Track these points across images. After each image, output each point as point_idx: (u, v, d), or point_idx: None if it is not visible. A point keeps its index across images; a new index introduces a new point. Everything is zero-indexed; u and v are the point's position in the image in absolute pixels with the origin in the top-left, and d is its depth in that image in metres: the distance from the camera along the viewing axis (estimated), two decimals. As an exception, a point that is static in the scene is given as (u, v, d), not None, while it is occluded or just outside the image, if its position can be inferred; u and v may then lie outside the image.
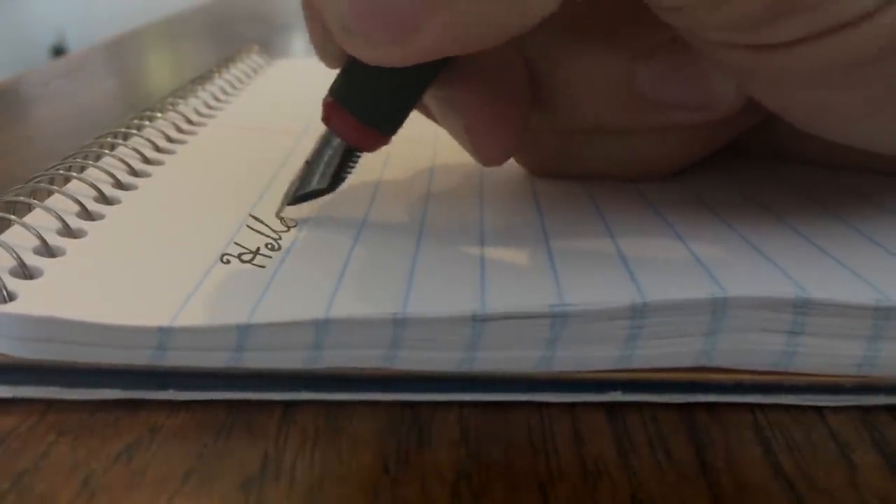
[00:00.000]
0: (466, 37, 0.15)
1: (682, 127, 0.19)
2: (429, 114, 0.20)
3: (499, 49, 0.16)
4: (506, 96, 0.18)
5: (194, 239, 0.17)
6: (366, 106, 0.17)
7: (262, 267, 0.16)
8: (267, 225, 0.18)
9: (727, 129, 0.20)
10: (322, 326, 0.14)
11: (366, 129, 0.17)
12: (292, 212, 0.19)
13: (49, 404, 0.14)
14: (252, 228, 0.18)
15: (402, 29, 0.15)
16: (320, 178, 0.18)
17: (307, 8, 0.17)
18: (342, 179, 0.18)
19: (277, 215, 0.19)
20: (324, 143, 0.18)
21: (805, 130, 0.18)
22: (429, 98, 0.18)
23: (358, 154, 0.18)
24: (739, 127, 0.20)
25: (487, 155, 0.19)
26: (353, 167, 0.18)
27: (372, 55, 0.15)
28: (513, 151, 0.19)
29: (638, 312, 0.14)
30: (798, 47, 0.15)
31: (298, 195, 0.18)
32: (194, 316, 0.14)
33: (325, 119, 0.18)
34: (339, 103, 0.17)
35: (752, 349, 0.15)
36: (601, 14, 0.17)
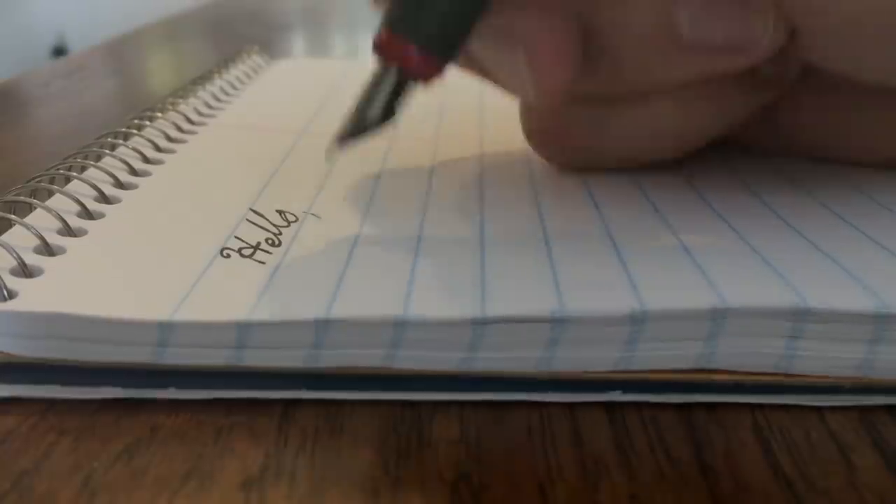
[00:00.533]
0: None
1: (714, 81, 0.19)
2: (471, 65, 0.19)
3: None
4: (562, 16, 0.18)
5: (194, 234, 0.17)
6: (425, 31, 0.17)
7: (263, 263, 0.16)
8: (267, 219, 0.18)
9: (745, 104, 0.20)
10: (323, 326, 0.14)
11: (425, 55, 0.17)
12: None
13: (49, 404, 0.14)
14: (252, 222, 0.18)
15: None
16: (376, 112, 0.17)
17: None
18: (394, 114, 0.17)
19: (328, 154, 0.18)
20: (376, 78, 0.17)
21: (835, 68, 0.18)
22: (480, 36, 0.17)
23: (411, 86, 0.17)
24: (757, 102, 0.20)
25: (550, 86, 0.18)
26: (404, 100, 0.17)
27: None
28: (572, 81, 0.18)
29: (637, 320, 0.14)
30: None
31: (351, 131, 0.17)
32: (194, 311, 0.14)
33: (381, 48, 0.17)
34: (394, 31, 0.17)
35: (751, 352, 0.15)
36: None
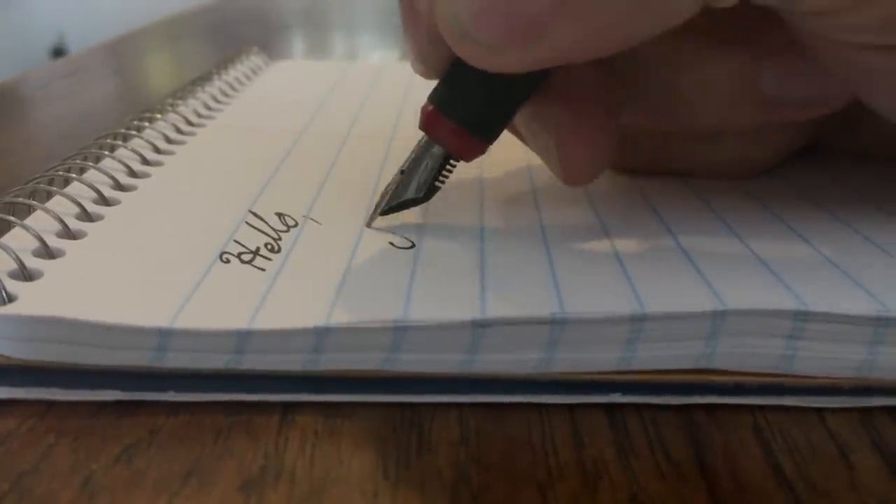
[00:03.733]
0: (598, 41, 0.14)
1: (791, 123, 0.20)
2: (514, 130, 0.20)
3: (595, 61, 0.15)
4: (598, 113, 0.18)
5: (194, 238, 0.17)
6: (469, 114, 0.17)
7: (262, 270, 0.16)
8: (267, 223, 0.18)
9: (814, 126, 0.21)
10: (322, 333, 0.14)
11: (469, 136, 0.17)
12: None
13: (49, 406, 0.14)
14: (252, 226, 0.18)
15: (528, 32, 0.14)
16: (417, 186, 0.18)
17: (409, 14, 0.17)
18: (437, 189, 0.18)
19: (369, 225, 0.18)
20: (421, 151, 0.18)
21: None
22: (520, 114, 0.18)
23: (454, 163, 0.18)
24: (825, 124, 0.21)
25: (576, 173, 0.18)
26: (448, 176, 0.18)
27: (490, 60, 0.15)
28: (601, 171, 0.19)
29: (637, 322, 0.14)
30: None
31: (393, 204, 0.18)
32: (194, 318, 0.14)
33: (426, 127, 0.18)
34: (441, 111, 0.17)
35: (751, 353, 0.15)
36: (724, 18, 0.17)
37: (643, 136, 0.21)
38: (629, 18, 0.14)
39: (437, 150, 0.18)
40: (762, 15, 0.16)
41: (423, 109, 0.18)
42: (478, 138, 0.18)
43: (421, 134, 0.18)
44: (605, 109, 0.18)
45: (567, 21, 0.14)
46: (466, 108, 0.17)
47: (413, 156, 0.18)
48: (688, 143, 0.21)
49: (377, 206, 0.19)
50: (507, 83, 0.17)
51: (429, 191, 0.18)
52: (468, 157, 0.18)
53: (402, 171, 0.18)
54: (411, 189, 0.18)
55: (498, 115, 0.18)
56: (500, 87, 0.17)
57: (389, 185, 0.19)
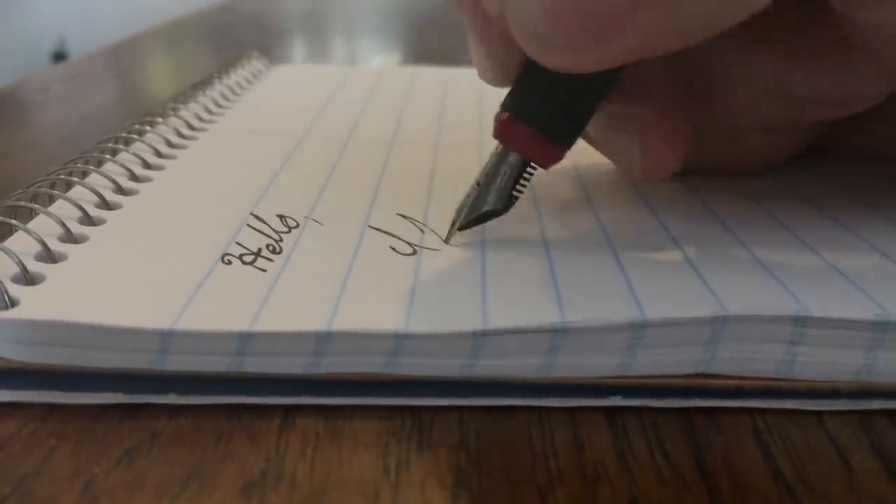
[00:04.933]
0: (673, 35, 0.14)
1: (822, 122, 0.20)
2: (586, 135, 0.20)
3: (671, 56, 0.15)
4: (675, 109, 0.18)
5: (196, 240, 0.17)
6: (546, 118, 0.17)
7: (264, 271, 0.16)
8: (268, 224, 0.18)
9: (823, 129, 0.22)
10: (324, 338, 0.14)
11: (546, 141, 0.17)
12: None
13: (50, 409, 0.14)
14: (253, 228, 0.18)
15: (603, 30, 0.14)
16: (496, 197, 0.18)
17: (475, 18, 0.17)
18: (516, 198, 0.18)
19: (447, 241, 0.18)
20: (497, 161, 0.18)
21: None
22: (595, 118, 0.18)
23: (532, 170, 0.18)
24: (835, 126, 0.22)
25: (662, 170, 0.18)
26: (526, 184, 0.18)
27: (564, 60, 0.15)
28: (678, 168, 0.19)
29: (638, 329, 0.14)
30: None
31: (473, 217, 0.18)
32: (195, 319, 0.14)
33: (501, 135, 0.17)
34: (516, 117, 0.17)
35: (751, 357, 0.15)
36: (760, 16, 0.17)
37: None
38: (708, 6, 0.14)
39: (513, 158, 0.17)
40: (797, 15, 0.16)
41: (497, 117, 0.17)
42: (556, 143, 0.17)
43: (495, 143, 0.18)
44: (679, 105, 0.18)
45: (644, 15, 0.14)
46: (542, 112, 0.17)
47: (489, 166, 0.18)
48: (718, 140, 0.21)
49: (454, 221, 0.18)
50: (583, 83, 0.16)
51: (508, 201, 0.18)
52: (547, 164, 0.17)
53: (478, 183, 0.18)
54: (490, 201, 0.18)
55: (575, 117, 0.17)
56: (577, 88, 0.16)
57: (466, 198, 0.18)
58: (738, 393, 0.15)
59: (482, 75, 0.18)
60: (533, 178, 0.18)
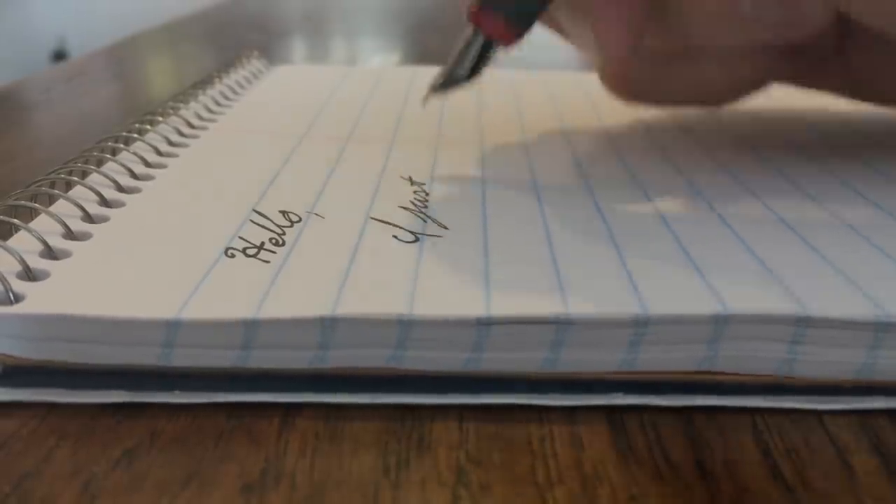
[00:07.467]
0: None
1: (768, 47, 0.23)
2: (552, 25, 0.24)
3: None
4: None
5: (198, 236, 0.18)
6: (510, 6, 0.21)
7: (267, 262, 0.16)
8: (270, 220, 0.18)
9: (778, 70, 0.25)
10: (328, 324, 0.14)
11: (509, 25, 0.21)
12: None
13: (50, 408, 0.14)
14: (256, 223, 0.18)
15: None
16: (462, 70, 0.21)
17: None
18: (480, 73, 0.22)
19: (423, 103, 0.23)
20: (466, 42, 0.21)
21: None
22: (556, 6, 0.22)
23: (495, 50, 0.21)
24: (789, 70, 0.25)
25: (615, 52, 0.21)
26: (488, 62, 0.21)
27: None
28: (638, 41, 0.22)
29: (641, 324, 0.14)
30: None
31: (442, 84, 0.22)
32: (200, 309, 0.14)
33: (473, 18, 0.21)
34: (485, 5, 0.21)
35: (753, 356, 0.15)
36: None
37: (644, 62, 0.24)
38: None
39: (480, 38, 0.21)
40: None
41: (470, 7, 0.21)
42: (513, 27, 0.21)
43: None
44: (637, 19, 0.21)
45: None
46: (503, 1, 0.21)
47: (462, 46, 0.21)
48: (675, 62, 0.24)
49: (432, 85, 0.22)
50: None
51: (472, 73, 0.21)
52: (506, 43, 0.21)
53: (450, 60, 0.22)
54: (459, 72, 0.21)
55: (530, 6, 0.21)
56: None
57: (440, 70, 0.22)
58: (741, 389, 0.15)
59: None
60: (536, 173, 0.20)
